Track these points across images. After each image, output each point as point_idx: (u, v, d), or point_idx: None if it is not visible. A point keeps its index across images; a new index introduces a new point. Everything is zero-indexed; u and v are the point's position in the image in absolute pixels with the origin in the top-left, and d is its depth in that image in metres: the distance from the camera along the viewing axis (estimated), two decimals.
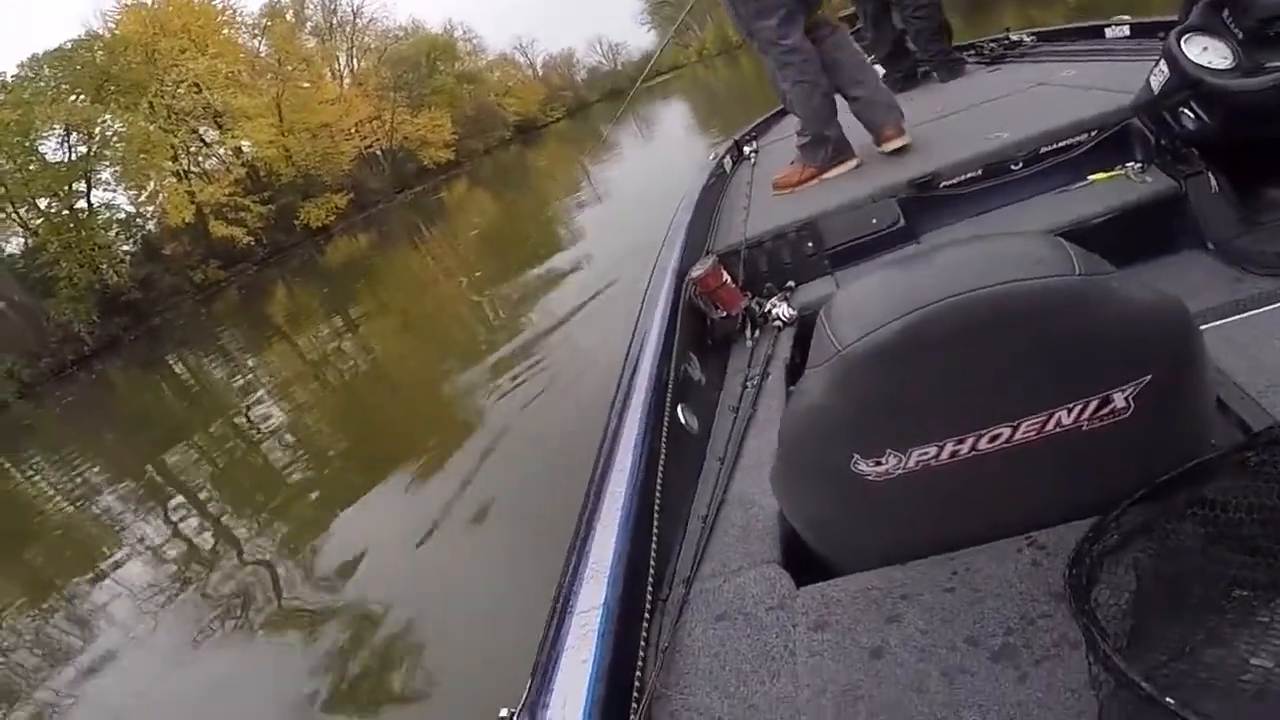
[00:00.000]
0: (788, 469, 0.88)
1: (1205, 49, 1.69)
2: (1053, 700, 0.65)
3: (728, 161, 3.30)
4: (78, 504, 7.33)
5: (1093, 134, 2.05)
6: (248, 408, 8.08)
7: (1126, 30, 2.89)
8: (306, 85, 34.92)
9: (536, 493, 3.24)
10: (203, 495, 5.95)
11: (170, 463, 7.11)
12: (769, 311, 1.92)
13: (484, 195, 22.50)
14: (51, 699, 3.67)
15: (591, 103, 53.65)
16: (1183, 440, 0.77)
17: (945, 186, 2.10)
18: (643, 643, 0.86)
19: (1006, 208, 2.06)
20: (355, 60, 40.19)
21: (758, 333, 1.89)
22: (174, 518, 5.55)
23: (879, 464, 0.75)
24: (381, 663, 2.83)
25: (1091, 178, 2.02)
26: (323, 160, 32.52)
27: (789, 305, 1.92)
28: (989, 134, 2.17)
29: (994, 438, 0.72)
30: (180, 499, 6.00)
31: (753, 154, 3.30)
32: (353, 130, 35.67)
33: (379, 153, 37.03)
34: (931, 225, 2.10)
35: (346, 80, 39.06)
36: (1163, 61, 1.76)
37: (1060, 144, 2.07)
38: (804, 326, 1.83)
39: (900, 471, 0.75)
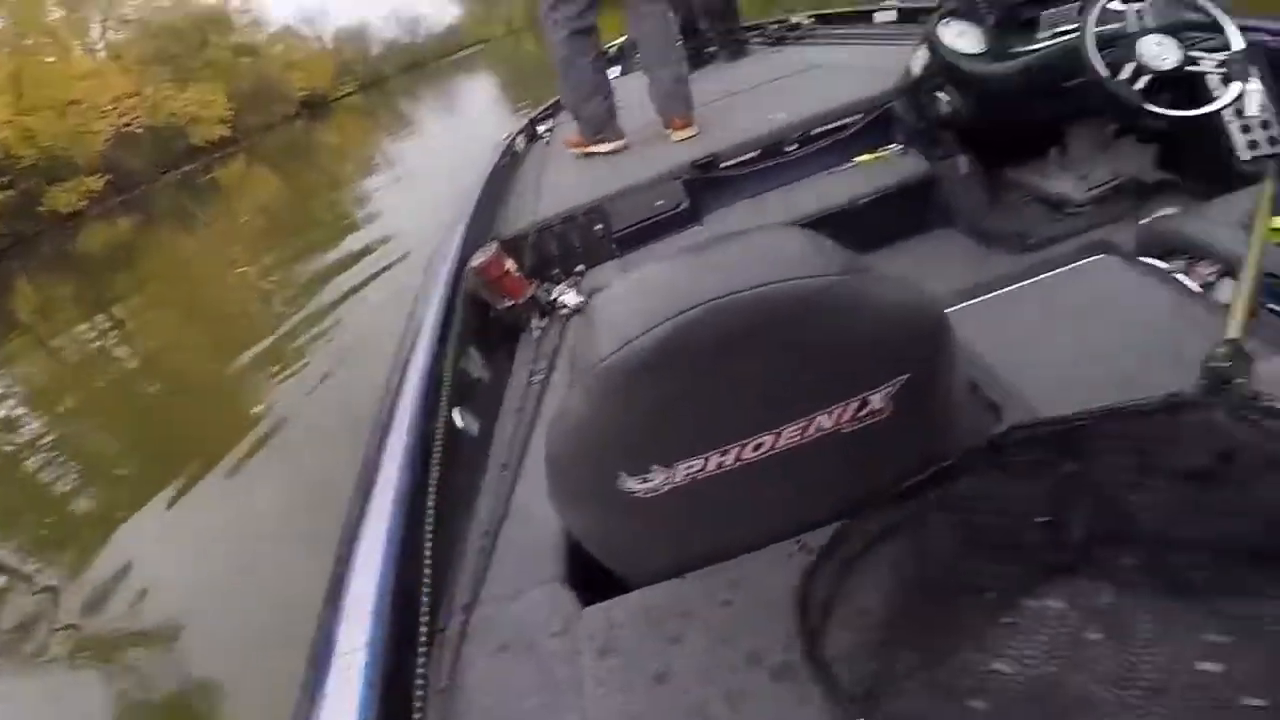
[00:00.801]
0: (556, 487, 0.81)
1: (961, 34, 1.79)
2: None
3: (520, 141, 3.17)
4: None
5: (859, 117, 2.14)
6: None
7: (894, 15, 3.06)
8: (51, 59, 30.25)
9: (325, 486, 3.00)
10: None
11: None
12: (556, 299, 1.83)
13: (267, 174, 20.50)
14: None
15: (388, 77, 50.69)
16: (941, 435, 0.77)
17: (725, 167, 2.13)
18: (419, 682, 0.78)
19: (782, 188, 2.12)
20: (111, 32, 35.30)
21: (546, 321, 1.79)
22: None
23: (646, 480, 0.71)
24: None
25: (857, 159, 2.12)
26: (73, 140, 28.30)
27: (577, 291, 1.85)
28: (767, 115, 2.22)
29: (758, 446, 0.69)
30: None
31: (548, 133, 3.18)
32: (109, 107, 31.30)
33: (141, 131, 32.81)
34: (714, 206, 2.13)
35: (101, 53, 34.24)
36: (924, 45, 1.85)
37: (830, 126, 2.14)
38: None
39: (668, 487, 0.71)
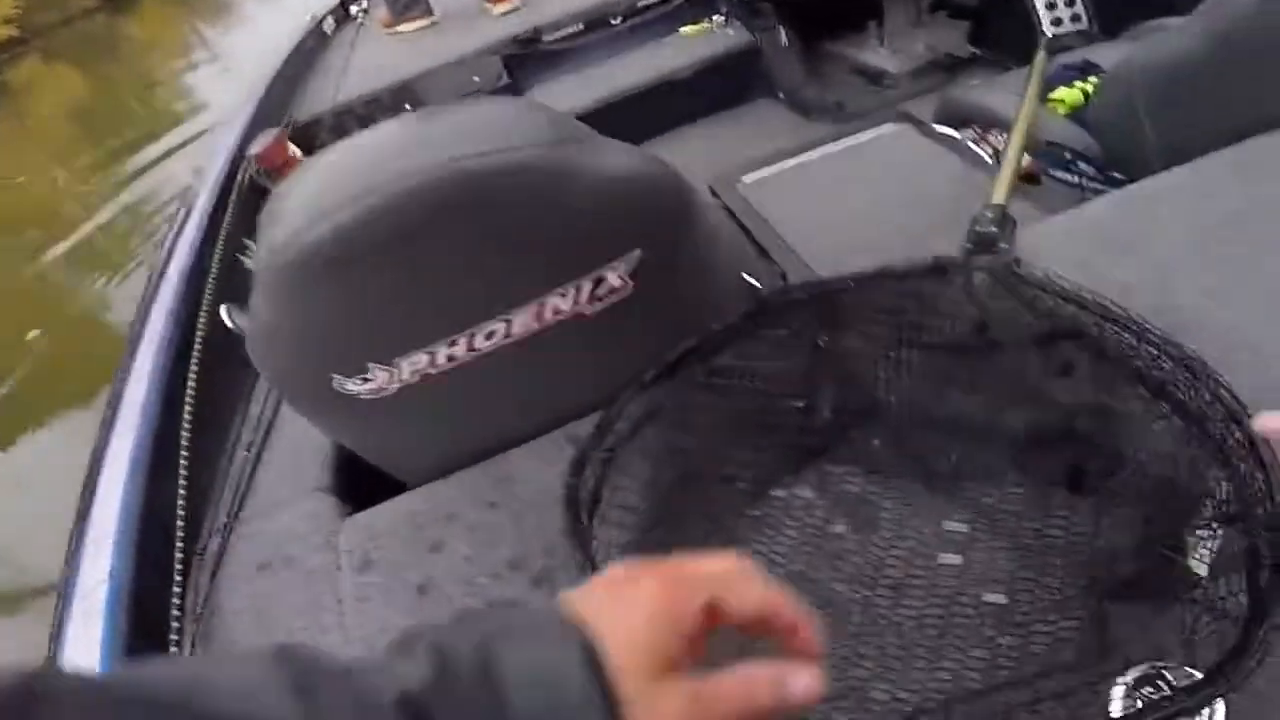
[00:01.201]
0: (284, 396, 0.76)
1: None
2: None
3: (330, 21, 2.85)
4: None
5: None
6: None
7: None
8: None
9: None
10: None
11: None
12: None
13: (68, 72, 17.92)
14: None
15: None
16: (697, 309, 0.71)
17: (549, 42, 2.02)
18: (175, 610, 0.72)
19: (607, 61, 2.04)
20: None
21: None
22: None
23: (367, 380, 0.63)
24: None
25: (682, 30, 2.05)
26: None
27: None
28: None
29: (489, 335, 0.62)
30: None
31: (362, 13, 2.86)
32: None
33: None
34: (536, 81, 2.03)
35: None
36: None
37: None
38: None
39: (398, 384, 0.64)
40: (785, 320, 0.67)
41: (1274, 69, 0.84)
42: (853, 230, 0.96)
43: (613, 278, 0.61)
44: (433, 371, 0.64)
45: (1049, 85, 1.22)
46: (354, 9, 2.84)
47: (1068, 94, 1.16)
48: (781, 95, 2.01)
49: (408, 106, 1.89)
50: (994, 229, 0.73)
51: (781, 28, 1.97)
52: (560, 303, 0.61)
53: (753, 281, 1.02)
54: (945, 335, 0.62)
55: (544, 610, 0.29)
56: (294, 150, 1.63)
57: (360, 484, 0.83)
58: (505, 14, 2.22)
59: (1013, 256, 0.69)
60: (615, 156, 0.58)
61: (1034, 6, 1.73)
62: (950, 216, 0.92)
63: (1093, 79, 1.18)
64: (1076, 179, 1.03)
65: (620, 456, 0.64)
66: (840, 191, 1.04)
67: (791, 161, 1.12)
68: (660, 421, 0.65)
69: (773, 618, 0.30)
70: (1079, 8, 1.71)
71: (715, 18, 2.04)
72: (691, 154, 1.91)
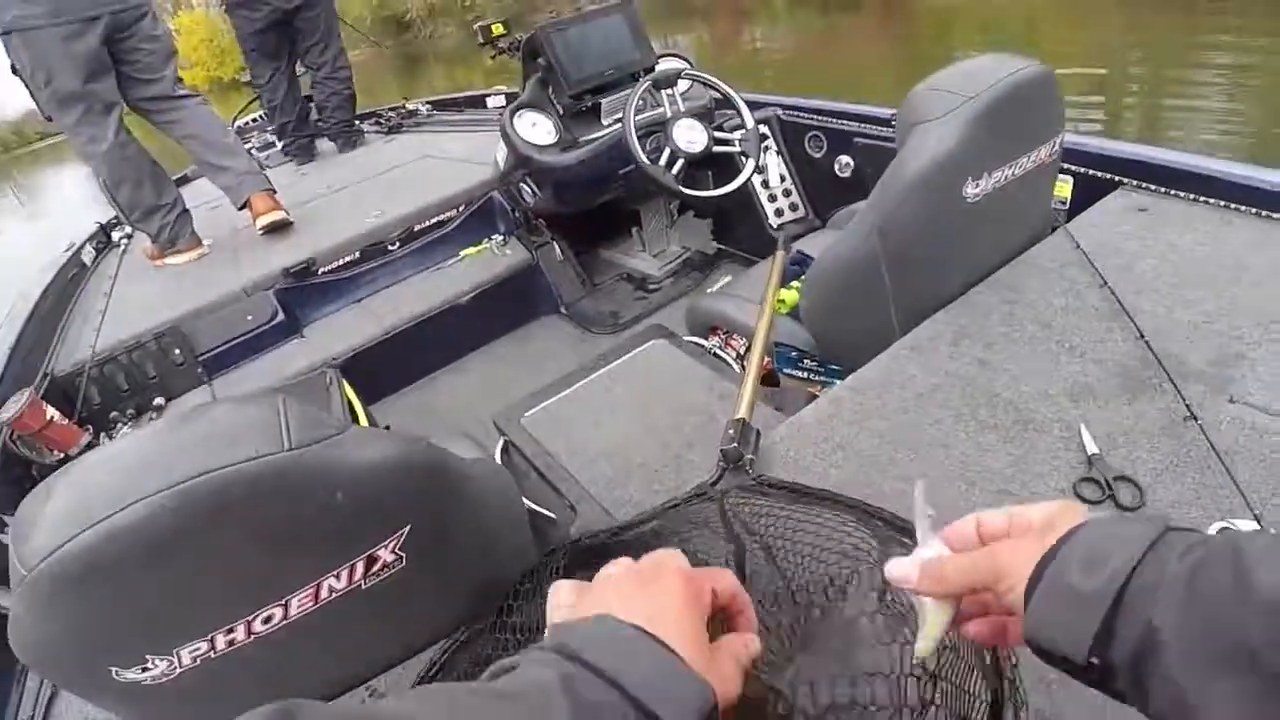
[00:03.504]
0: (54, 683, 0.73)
1: (534, 125, 1.85)
2: None
3: (89, 250, 2.65)
4: None
5: (461, 209, 2.15)
6: None
7: (503, 100, 3.07)
8: None
9: None
10: None
11: None
12: None
13: None
14: None
15: None
16: (481, 559, 0.76)
17: (325, 272, 1.98)
18: None
19: (387, 290, 2.04)
20: None
21: None
22: None
23: (147, 669, 0.62)
24: None
25: (463, 253, 2.12)
26: None
27: None
28: (370, 212, 2.12)
29: (267, 619, 0.63)
30: None
31: (125, 239, 2.68)
32: None
33: None
34: (314, 314, 1.97)
35: None
36: (503, 137, 1.89)
37: (434, 220, 2.12)
38: None
39: (182, 669, 0.63)
40: (581, 563, 0.73)
41: (923, 255, 1.01)
42: (626, 453, 1.05)
43: (385, 554, 0.64)
44: (213, 655, 0.63)
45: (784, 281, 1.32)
46: (116, 234, 2.68)
47: (787, 294, 1.27)
48: (563, 309, 2.10)
49: (177, 351, 1.79)
50: (736, 446, 0.84)
51: (556, 243, 2.09)
52: (335, 583, 0.63)
53: (546, 513, 1.07)
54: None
55: (606, 622, 0.36)
56: (51, 413, 1.52)
57: None
58: (271, 230, 2.16)
59: (755, 475, 0.79)
60: (370, 446, 0.62)
61: (759, 203, 2.01)
62: (707, 426, 1.05)
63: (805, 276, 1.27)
64: (805, 375, 1.19)
65: None
66: (612, 415, 1.12)
67: (568, 390, 1.20)
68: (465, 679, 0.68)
69: (735, 602, 0.43)
70: (795, 197, 2.02)
71: (494, 237, 2.11)
72: (481, 382, 1.97)
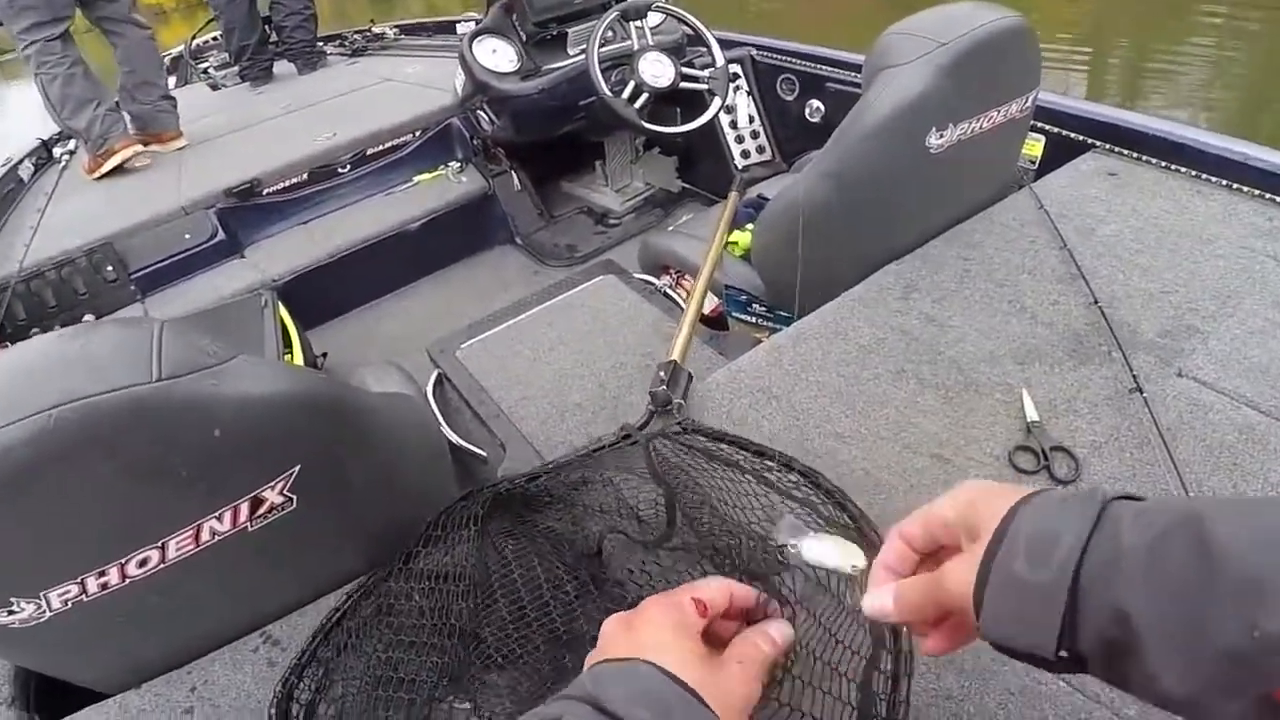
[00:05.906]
0: None
1: (494, 51, 1.77)
2: None
3: (27, 165, 2.53)
4: None
5: (418, 134, 2.06)
6: None
7: (475, 26, 2.98)
8: None
9: None
10: None
11: None
12: None
13: None
14: None
15: None
16: (386, 502, 0.72)
17: (270, 193, 1.90)
18: None
19: (335, 213, 1.96)
20: None
21: None
22: None
23: (14, 612, 0.58)
24: None
25: (417, 178, 2.05)
26: None
27: None
28: (322, 134, 2.03)
29: (143, 561, 0.58)
30: None
31: (66, 155, 2.57)
32: None
33: None
34: (256, 235, 1.90)
35: None
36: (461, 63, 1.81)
37: (388, 145, 2.03)
38: None
39: (51, 613, 0.59)
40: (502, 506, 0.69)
41: (879, 205, 0.98)
42: (563, 392, 1.01)
43: (272, 496, 0.59)
44: (85, 599, 0.59)
45: (738, 223, 1.30)
46: (58, 150, 2.56)
47: (741, 237, 1.25)
48: (519, 240, 2.05)
49: (109, 268, 1.71)
50: (665, 389, 0.80)
51: (514, 172, 2.03)
52: (217, 525, 0.59)
53: (476, 450, 1.03)
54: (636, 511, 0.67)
55: (605, 667, 0.37)
56: None
57: (53, 693, 0.75)
58: (176, 150, 2.23)
59: (683, 418, 0.75)
60: (255, 379, 0.57)
61: (726, 143, 1.96)
62: (647, 368, 1.01)
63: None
64: (754, 320, 1.15)
65: (336, 660, 0.63)
66: (551, 351, 1.08)
67: (508, 323, 1.16)
68: (378, 624, 0.65)
69: (738, 601, 0.43)
70: (763, 140, 1.96)
71: (451, 164, 2.05)
72: (427, 310, 1.92)
